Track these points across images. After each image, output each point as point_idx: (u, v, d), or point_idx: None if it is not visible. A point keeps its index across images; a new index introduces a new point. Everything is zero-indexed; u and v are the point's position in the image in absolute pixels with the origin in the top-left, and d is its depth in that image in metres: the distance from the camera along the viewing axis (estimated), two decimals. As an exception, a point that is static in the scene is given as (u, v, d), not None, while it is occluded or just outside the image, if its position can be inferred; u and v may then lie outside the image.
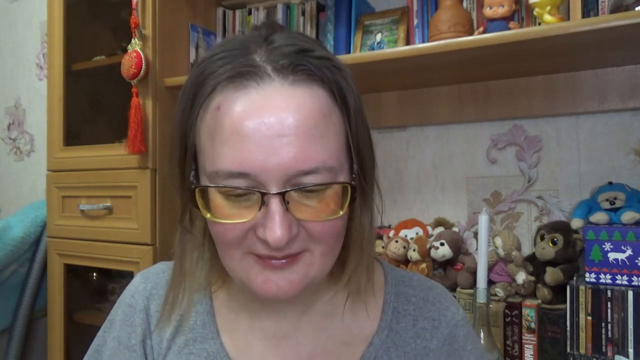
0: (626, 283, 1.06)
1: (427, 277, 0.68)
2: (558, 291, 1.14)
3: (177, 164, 0.54)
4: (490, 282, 1.24)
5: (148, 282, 0.65)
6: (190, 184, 0.52)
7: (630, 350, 1.03)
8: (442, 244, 1.27)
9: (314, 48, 0.50)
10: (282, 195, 0.47)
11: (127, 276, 1.58)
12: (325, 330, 0.60)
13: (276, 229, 0.46)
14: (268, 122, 0.46)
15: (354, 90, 0.52)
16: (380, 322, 0.60)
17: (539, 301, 1.16)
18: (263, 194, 0.47)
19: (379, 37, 1.36)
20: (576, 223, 1.18)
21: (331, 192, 0.49)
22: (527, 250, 1.32)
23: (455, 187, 1.44)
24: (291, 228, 0.48)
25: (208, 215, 0.50)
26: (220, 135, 0.48)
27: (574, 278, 1.15)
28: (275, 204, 0.47)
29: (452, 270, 1.30)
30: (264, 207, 0.47)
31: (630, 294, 1.04)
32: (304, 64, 0.48)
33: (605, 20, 0.93)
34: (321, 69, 0.49)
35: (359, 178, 0.52)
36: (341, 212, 0.50)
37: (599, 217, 1.13)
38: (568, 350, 1.09)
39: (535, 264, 1.21)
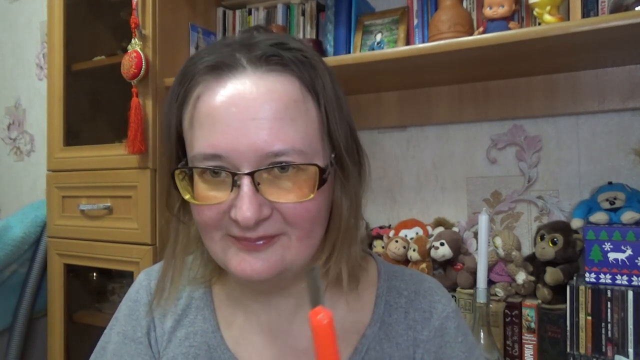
0: (626, 283, 1.06)
1: (420, 272, 0.69)
2: (558, 291, 1.14)
3: (165, 152, 0.58)
4: (490, 282, 1.24)
5: (151, 278, 0.68)
6: (170, 169, 0.55)
7: (630, 350, 1.03)
8: (442, 244, 1.27)
9: (289, 42, 0.54)
10: (251, 176, 0.49)
11: (127, 276, 1.58)
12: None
13: (245, 209, 0.48)
14: (239, 106, 0.49)
15: (327, 80, 0.54)
16: (373, 315, 0.62)
17: (539, 301, 1.16)
18: (234, 175, 0.49)
19: (379, 37, 1.36)
20: (576, 223, 1.18)
21: (304, 175, 0.51)
22: (527, 250, 1.32)
23: (455, 187, 1.44)
24: (261, 208, 0.50)
25: (187, 197, 0.53)
26: (198, 121, 0.51)
27: (574, 278, 1.15)
28: (245, 185, 0.49)
29: (452, 270, 1.30)
30: (236, 188, 0.50)
31: (630, 294, 1.04)
32: (276, 54, 0.51)
33: (605, 20, 0.93)
34: (293, 60, 0.52)
35: (334, 165, 0.54)
36: (311, 195, 0.51)
37: (599, 217, 1.13)
38: (568, 350, 1.09)
39: (535, 264, 1.21)
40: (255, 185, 0.49)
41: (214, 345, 0.61)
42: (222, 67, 0.51)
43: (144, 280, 0.68)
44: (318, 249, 0.57)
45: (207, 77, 0.52)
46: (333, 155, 0.54)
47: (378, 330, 0.61)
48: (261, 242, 0.51)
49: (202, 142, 0.50)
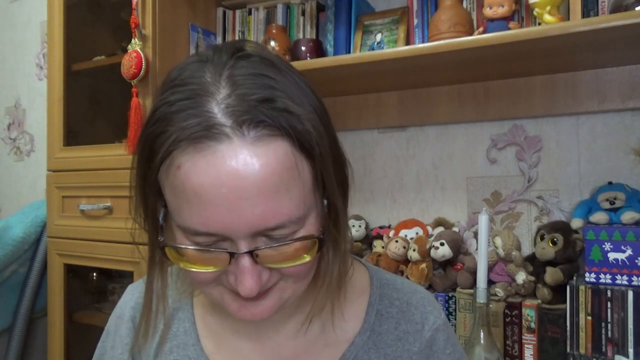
0: (626, 283, 1.06)
1: (411, 281, 0.69)
2: (558, 291, 1.14)
3: (141, 210, 0.54)
4: (490, 282, 1.24)
5: (135, 292, 0.67)
6: (158, 241, 0.52)
7: (630, 350, 1.03)
8: (442, 244, 1.27)
9: (275, 96, 0.47)
10: (249, 252, 0.48)
11: (127, 276, 1.58)
12: (308, 331, 0.61)
13: (246, 283, 0.48)
14: (229, 186, 0.45)
15: (317, 126, 0.49)
16: (363, 324, 0.62)
17: (539, 301, 1.16)
18: (231, 254, 0.48)
19: (379, 37, 1.36)
20: (576, 223, 1.18)
21: (301, 242, 0.50)
22: (527, 250, 1.32)
23: (455, 187, 1.44)
24: (261, 277, 0.49)
25: (181, 265, 0.51)
26: (184, 195, 0.47)
27: (574, 278, 1.15)
28: (244, 260, 0.48)
29: (452, 270, 1.30)
30: (234, 259, 0.48)
31: (630, 294, 1.04)
32: (264, 119, 0.45)
33: (605, 20, 0.93)
34: (281, 122, 0.46)
35: (327, 218, 0.52)
36: (308, 259, 0.50)
37: (599, 217, 1.13)
38: (568, 350, 1.09)
39: (535, 264, 1.21)
40: (254, 257, 0.48)
41: (194, 358, 0.61)
42: (203, 139, 0.45)
43: (128, 295, 0.68)
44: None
45: (186, 146, 0.45)
46: (326, 202, 0.52)
47: (367, 339, 0.61)
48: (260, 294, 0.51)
49: (192, 219, 0.47)
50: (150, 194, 0.51)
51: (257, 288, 0.48)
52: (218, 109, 0.46)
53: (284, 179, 0.46)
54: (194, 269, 0.50)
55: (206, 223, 0.46)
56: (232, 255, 0.48)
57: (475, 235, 1.33)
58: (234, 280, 0.49)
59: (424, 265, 1.29)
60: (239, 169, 0.45)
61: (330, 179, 0.51)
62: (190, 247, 0.49)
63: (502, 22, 1.13)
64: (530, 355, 1.14)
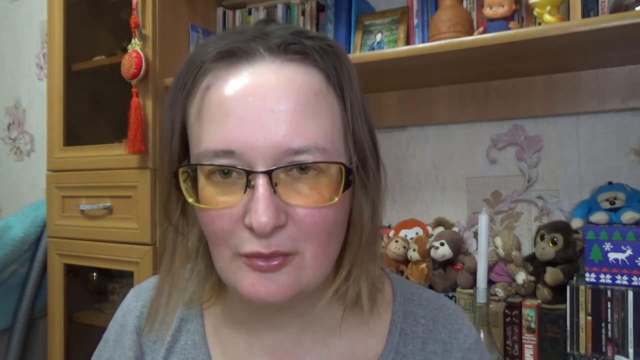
0: (626, 283, 1.06)
1: (437, 293, 0.64)
2: (558, 291, 1.14)
3: (166, 151, 0.51)
4: (490, 282, 1.24)
5: (139, 299, 0.63)
6: (173, 168, 0.49)
7: (630, 350, 1.03)
8: (442, 244, 1.27)
9: (309, 30, 0.49)
10: (268, 175, 0.44)
11: (127, 276, 1.58)
12: (327, 347, 0.56)
13: (261, 212, 0.43)
14: (256, 95, 0.44)
15: (351, 75, 0.49)
16: (386, 344, 0.56)
17: (539, 301, 1.16)
18: (248, 173, 0.44)
19: (379, 37, 1.36)
20: (576, 223, 1.18)
21: (325, 178, 0.46)
22: (527, 250, 1.32)
23: (455, 187, 1.44)
24: (278, 214, 0.44)
25: (191, 200, 0.48)
26: (207, 113, 0.46)
27: (574, 278, 1.15)
28: (261, 185, 0.43)
29: (452, 270, 1.30)
30: (250, 189, 0.44)
31: (630, 294, 1.04)
32: (297, 42, 0.47)
33: (605, 20, 0.93)
34: (315, 49, 0.47)
35: (357, 167, 0.49)
36: (335, 199, 0.46)
37: (599, 217, 1.13)
38: (568, 350, 1.09)
39: (535, 264, 1.21)
40: (273, 186, 0.44)
41: None
42: (235, 54, 0.46)
43: (132, 302, 0.63)
44: (334, 266, 0.52)
45: (218, 65, 0.46)
46: (356, 158, 0.49)
47: None
48: (275, 262, 0.46)
49: (211, 136, 0.45)
50: (175, 134, 0.49)
51: (272, 222, 0.43)
52: (252, 39, 0.47)
53: (311, 102, 0.45)
54: (206, 206, 0.46)
55: (226, 139, 0.44)
56: (248, 182, 0.44)
57: (475, 235, 1.33)
58: (248, 219, 0.44)
59: (424, 265, 1.29)
60: (267, 82, 0.45)
61: (361, 129, 0.49)
62: (206, 164, 0.45)
63: (502, 22, 1.13)
64: (530, 355, 1.14)
